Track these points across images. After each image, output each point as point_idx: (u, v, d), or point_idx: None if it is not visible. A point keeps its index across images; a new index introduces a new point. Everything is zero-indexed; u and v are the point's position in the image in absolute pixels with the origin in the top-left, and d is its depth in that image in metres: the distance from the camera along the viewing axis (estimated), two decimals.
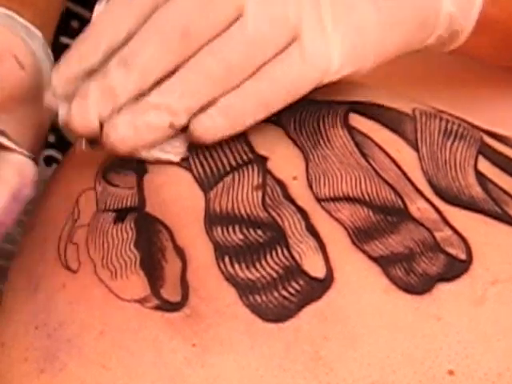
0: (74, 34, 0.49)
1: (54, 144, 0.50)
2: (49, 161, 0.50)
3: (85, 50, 0.31)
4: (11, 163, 0.31)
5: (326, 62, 0.31)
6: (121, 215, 0.31)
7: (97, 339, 0.28)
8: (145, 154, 0.31)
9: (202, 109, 0.30)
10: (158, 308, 0.27)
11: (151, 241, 0.30)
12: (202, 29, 0.30)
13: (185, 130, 0.31)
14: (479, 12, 0.36)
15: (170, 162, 0.32)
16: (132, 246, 0.30)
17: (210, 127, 0.30)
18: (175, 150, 0.32)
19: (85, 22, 0.48)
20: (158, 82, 0.30)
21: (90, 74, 0.30)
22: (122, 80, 0.29)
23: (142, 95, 0.30)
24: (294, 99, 0.32)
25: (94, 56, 0.30)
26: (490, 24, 0.37)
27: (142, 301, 0.27)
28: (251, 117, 0.31)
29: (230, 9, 0.30)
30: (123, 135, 0.29)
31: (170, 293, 0.28)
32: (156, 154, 0.31)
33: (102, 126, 0.30)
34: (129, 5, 0.30)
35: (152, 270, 0.29)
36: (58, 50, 0.45)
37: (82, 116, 0.29)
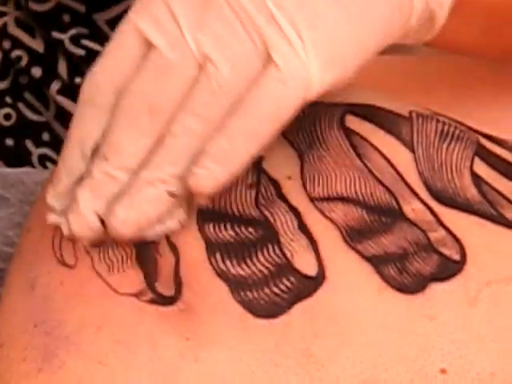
0: (66, 28, 0.49)
1: (48, 143, 0.51)
2: (43, 159, 0.51)
3: (68, 162, 0.31)
4: None
5: (305, 78, 0.30)
6: None
7: (94, 335, 0.28)
8: (148, 233, 0.30)
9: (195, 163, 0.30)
10: (152, 302, 0.27)
11: None
12: (167, 98, 0.30)
13: None
14: None
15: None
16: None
17: (208, 178, 0.29)
18: (176, 219, 0.31)
19: (76, 15, 0.48)
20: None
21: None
22: (107, 176, 0.29)
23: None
24: (283, 124, 0.31)
25: (77, 165, 0.30)
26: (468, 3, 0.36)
27: (138, 294, 0.28)
28: (245, 154, 0.30)
29: (190, 69, 0.29)
30: (124, 217, 0.29)
31: (164, 287, 0.28)
32: (159, 228, 0.30)
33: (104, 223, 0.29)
34: (93, 105, 0.30)
35: (147, 263, 0.29)
36: (50, 46, 0.45)
37: (80, 222, 0.29)
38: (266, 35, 0.29)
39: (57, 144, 0.50)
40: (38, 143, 0.51)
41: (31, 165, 0.50)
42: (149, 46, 0.29)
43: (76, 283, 0.30)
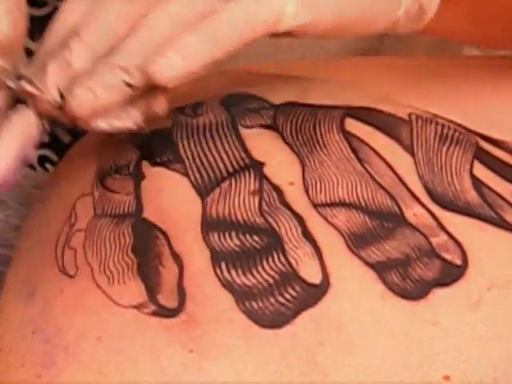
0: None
1: (47, 144, 0.50)
2: (42, 161, 0.50)
3: (47, 39, 0.32)
4: (20, 120, 0.31)
5: (279, 9, 0.31)
6: (118, 221, 0.31)
7: (94, 345, 0.28)
8: (101, 123, 0.31)
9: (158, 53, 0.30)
10: (155, 314, 0.27)
11: (148, 246, 0.30)
12: None
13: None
14: None
15: (129, 132, 0.32)
16: (129, 252, 0.30)
17: (168, 68, 0.30)
18: (131, 117, 0.31)
19: None
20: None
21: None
22: (76, 49, 0.30)
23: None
24: (250, 40, 0.31)
25: (54, 42, 0.31)
26: None
27: (139, 307, 0.27)
28: (208, 55, 0.30)
29: None
30: (80, 98, 0.29)
31: (167, 299, 0.28)
32: (112, 121, 0.31)
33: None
34: None
35: (149, 275, 0.29)
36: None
37: (43, 93, 0.29)
38: None
39: (57, 146, 0.50)
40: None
41: (31, 166, 0.50)
42: None
43: (76, 293, 0.29)
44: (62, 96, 0.30)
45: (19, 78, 0.30)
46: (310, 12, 0.32)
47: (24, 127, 0.30)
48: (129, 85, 0.30)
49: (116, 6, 0.31)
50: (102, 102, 0.30)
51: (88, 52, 0.30)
